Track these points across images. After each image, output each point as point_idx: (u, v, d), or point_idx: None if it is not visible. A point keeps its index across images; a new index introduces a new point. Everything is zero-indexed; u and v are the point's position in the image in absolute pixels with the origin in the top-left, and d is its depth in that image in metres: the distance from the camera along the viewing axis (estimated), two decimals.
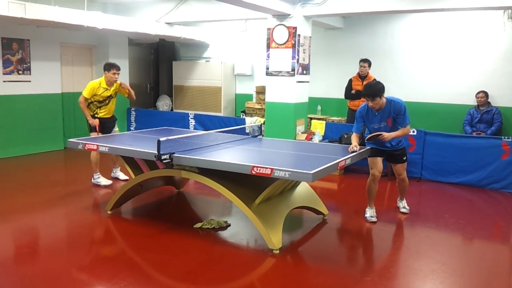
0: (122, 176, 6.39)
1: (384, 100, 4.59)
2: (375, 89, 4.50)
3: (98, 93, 5.89)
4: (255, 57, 9.77)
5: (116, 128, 6.27)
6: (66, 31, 8.25)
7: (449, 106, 8.02)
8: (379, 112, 4.64)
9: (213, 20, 8.73)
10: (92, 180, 6.14)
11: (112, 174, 6.47)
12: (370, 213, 4.93)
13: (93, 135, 5.88)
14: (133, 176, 4.94)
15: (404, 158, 4.97)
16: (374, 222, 4.82)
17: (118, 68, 5.94)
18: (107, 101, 6.01)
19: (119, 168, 6.42)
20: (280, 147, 5.10)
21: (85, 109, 5.92)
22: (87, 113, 5.93)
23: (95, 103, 5.94)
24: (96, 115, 5.98)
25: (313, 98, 8.50)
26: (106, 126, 6.05)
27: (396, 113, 4.61)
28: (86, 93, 5.86)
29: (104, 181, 6.10)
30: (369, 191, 4.89)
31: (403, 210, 5.26)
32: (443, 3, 6.22)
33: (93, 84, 5.90)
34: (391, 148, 4.84)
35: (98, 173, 6.12)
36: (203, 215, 5.06)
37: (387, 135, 4.61)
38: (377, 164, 4.81)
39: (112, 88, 6.00)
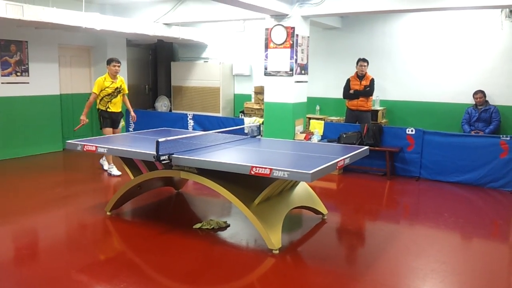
0: (105, 166, 6.84)
1: None
2: None
3: (107, 85, 6.51)
4: (253, 58, 9.77)
5: (122, 123, 6.96)
6: (64, 32, 8.25)
7: (448, 105, 8.03)
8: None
9: (211, 20, 8.74)
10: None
11: (100, 161, 7.06)
12: None
13: (106, 131, 6.61)
14: (132, 177, 4.94)
15: None
16: None
17: (117, 61, 6.62)
18: (115, 93, 6.62)
19: (104, 158, 6.92)
20: (279, 147, 5.10)
21: (89, 106, 6.58)
22: (86, 110, 6.56)
23: (106, 97, 6.56)
24: (108, 109, 6.62)
25: (312, 98, 8.50)
26: (115, 120, 6.73)
27: None
28: (95, 89, 6.56)
29: None
30: None
31: None
32: (440, 2, 6.23)
33: (99, 80, 6.58)
34: None
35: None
36: (202, 216, 5.06)
37: None
38: None
39: (118, 81, 6.65)
